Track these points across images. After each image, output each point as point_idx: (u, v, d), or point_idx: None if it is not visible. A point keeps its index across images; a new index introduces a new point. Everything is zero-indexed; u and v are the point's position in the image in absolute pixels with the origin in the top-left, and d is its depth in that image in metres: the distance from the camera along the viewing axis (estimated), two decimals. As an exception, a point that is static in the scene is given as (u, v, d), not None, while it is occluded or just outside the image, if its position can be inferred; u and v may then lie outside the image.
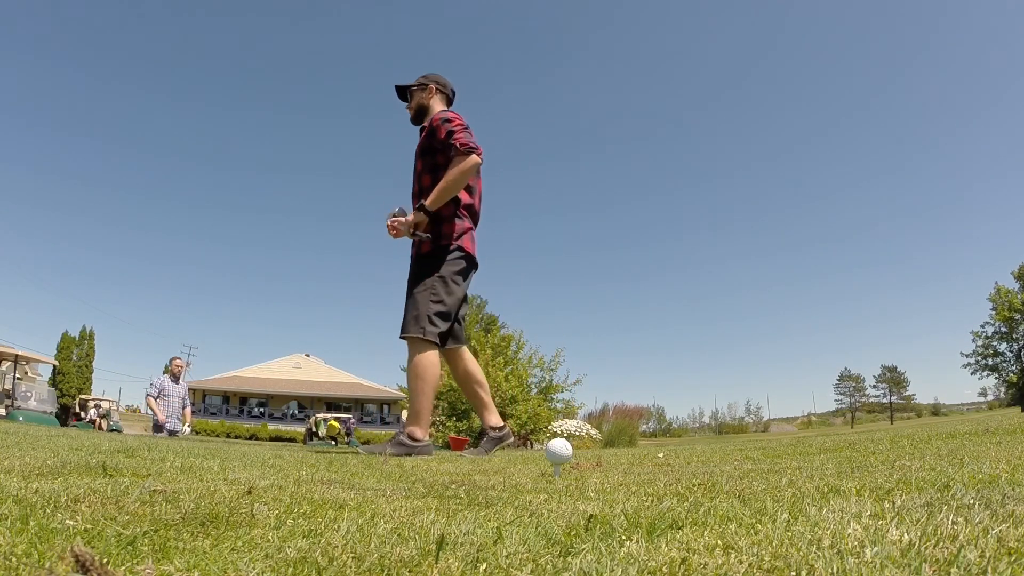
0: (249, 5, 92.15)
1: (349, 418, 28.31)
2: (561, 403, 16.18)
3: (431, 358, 3.23)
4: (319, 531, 0.88)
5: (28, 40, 72.07)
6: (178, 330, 78.70)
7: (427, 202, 3.29)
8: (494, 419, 3.47)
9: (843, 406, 70.10)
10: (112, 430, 22.01)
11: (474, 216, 3.51)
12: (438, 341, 3.28)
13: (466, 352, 3.58)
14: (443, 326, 3.29)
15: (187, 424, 8.07)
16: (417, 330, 3.22)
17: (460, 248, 3.35)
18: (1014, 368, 38.59)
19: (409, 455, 2.99)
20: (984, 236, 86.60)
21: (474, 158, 3.25)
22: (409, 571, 0.69)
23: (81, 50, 78.28)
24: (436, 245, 3.34)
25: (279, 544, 0.79)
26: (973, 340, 40.18)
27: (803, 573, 0.63)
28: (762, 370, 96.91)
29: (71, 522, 0.85)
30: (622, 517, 1.00)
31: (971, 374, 42.49)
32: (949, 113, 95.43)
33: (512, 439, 3.24)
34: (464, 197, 3.41)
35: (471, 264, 3.44)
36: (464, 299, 3.48)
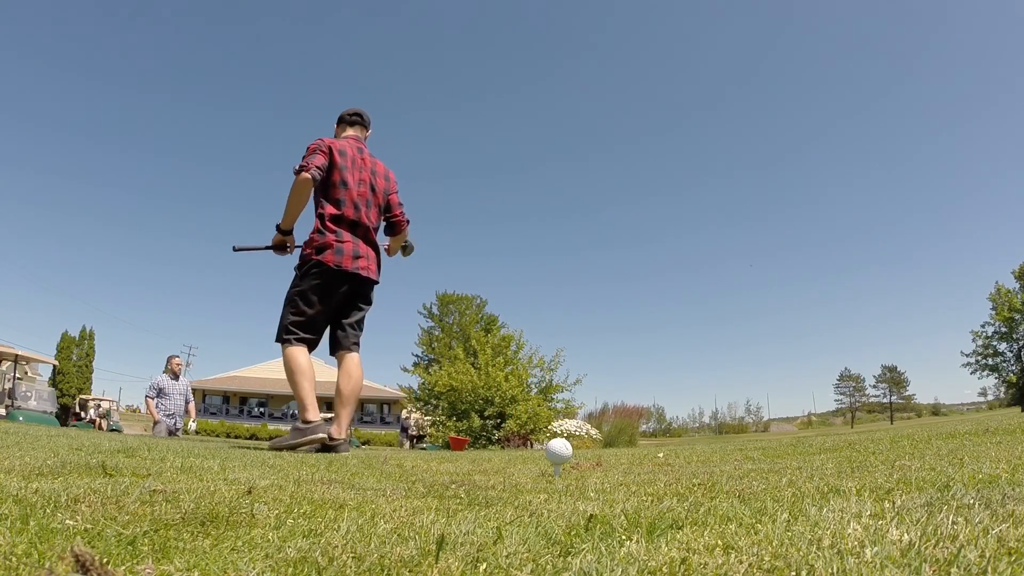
0: (250, 6, 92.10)
1: None
2: (561, 403, 16.13)
3: (295, 356, 3.50)
4: (319, 531, 0.88)
5: (28, 40, 72.08)
6: (178, 330, 78.72)
7: (280, 221, 3.60)
8: (334, 430, 3.52)
9: (843, 406, 70.13)
10: (112, 430, 22.00)
11: (353, 226, 3.61)
12: (300, 344, 3.55)
13: (348, 359, 3.67)
14: (303, 333, 3.56)
15: (192, 420, 8.06)
16: (278, 339, 3.58)
17: (319, 263, 3.50)
18: (1014, 368, 38.49)
19: (305, 436, 3.32)
20: (984, 236, 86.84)
21: (302, 176, 3.46)
22: (409, 571, 0.69)
23: (81, 50, 78.33)
24: (299, 261, 3.62)
25: (279, 544, 0.79)
26: (973, 340, 40.10)
27: (803, 573, 0.63)
28: (762, 370, 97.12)
29: (71, 522, 0.84)
30: (622, 517, 1.00)
31: (971, 374, 42.56)
32: (949, 113, 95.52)
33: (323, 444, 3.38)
34: (329, 209, 3.56)
35: (333, 275, 3.53)
36: (342, 308, 3.64)
